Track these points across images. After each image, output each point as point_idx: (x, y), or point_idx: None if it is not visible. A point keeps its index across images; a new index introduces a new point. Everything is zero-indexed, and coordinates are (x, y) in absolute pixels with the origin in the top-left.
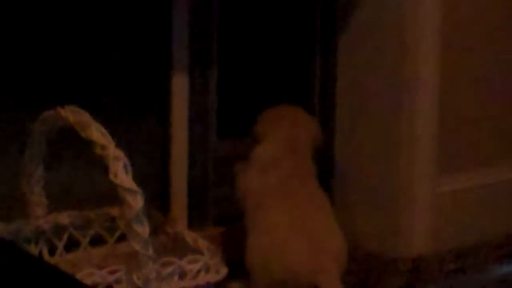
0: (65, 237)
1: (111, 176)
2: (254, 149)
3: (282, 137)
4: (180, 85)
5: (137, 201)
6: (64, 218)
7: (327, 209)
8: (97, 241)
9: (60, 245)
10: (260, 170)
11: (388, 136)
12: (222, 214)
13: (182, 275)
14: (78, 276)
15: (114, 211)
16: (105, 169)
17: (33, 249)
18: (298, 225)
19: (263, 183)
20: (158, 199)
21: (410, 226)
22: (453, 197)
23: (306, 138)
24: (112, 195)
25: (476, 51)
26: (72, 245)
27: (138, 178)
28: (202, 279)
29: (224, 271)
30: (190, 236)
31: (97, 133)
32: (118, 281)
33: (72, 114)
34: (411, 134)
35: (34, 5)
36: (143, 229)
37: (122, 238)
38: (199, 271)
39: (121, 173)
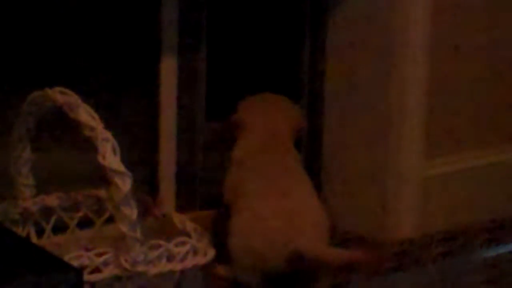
0: (52, 219)
1: (100, 158)
2: (233, 146)
3: (260, 129)
4: (168, 68)
5: (125, 183)
6: (52, 200)
7: (307, 185)
8: (85, 223)
9: (48, 227)
10: (238, 165)
11: (376, 119)
12: (210, 197)
13: (170, 258)
14: (66, 258)
15: (102, 193)
16: (94, 151)
17: (21, 231)
18: (276, 202)
19: (240, 176)
20: (146, 182)
21: (398, 209)
22: (441, 179)
23: (286, 128)
24: (100, 177)
25: (465, 44)
26: (59, 227)
27: (126, 160)
28: (190, 261)
29: (211, 253)
30: (178, 218)
31: (86, 114)
32: (105, 264)
33: (60, 95)
34: (400, 116)
35: None
36: (131, 212)
37: (110, 220)
38: (186, 253)
39: (109, 154)
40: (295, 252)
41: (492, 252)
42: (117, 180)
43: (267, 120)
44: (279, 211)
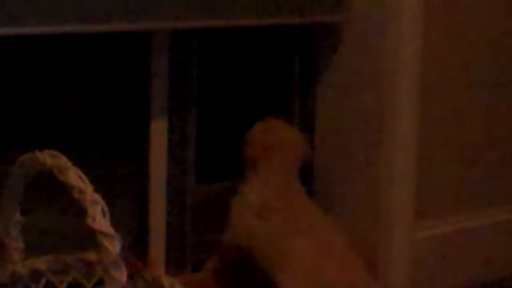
0: (42, 282)
1: (89, 221)
2: (244, 188)
3: (273, 168)
4: (158, 130)
5: (114, 246)
6: (41, 263)
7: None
8: (74, 286)
9: None
10: (257, 214)
11: (365, 178)
12: (200, 259)
13: None
14: None
15: (92, 256)
16: (83, 214)
17: None
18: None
19: (265, 230)
20: (136, 244)
21: (387, 271)
22: (429, 243)
23: (297, 162)
24: (90, 240)
25: (456, 78)
26: None
27: (116, 223)
28: None
29: None
30: (168, 282)
31: (75, 177)
32: None
33: (50, 158)
34: (389, 178)
35: (13, 52)
36: (121, 274)
37: (100, 283)
38: None
39: (98, 217)
40: None
41: None
42: (107, 243)
43: (279, 158)
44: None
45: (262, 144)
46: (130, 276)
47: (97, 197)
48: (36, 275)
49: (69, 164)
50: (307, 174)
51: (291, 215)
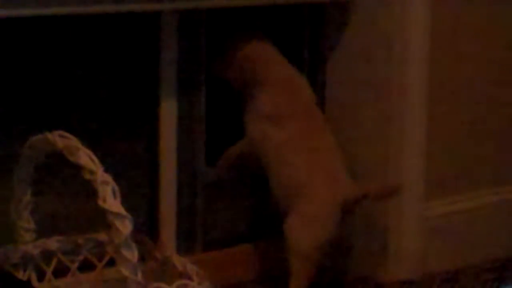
0: (53, 262)
1: (100, 201)
2: (257, 98)
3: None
4: (168, 111)
5: (125, 226)
6: (53, 243)
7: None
8: (85, 266)
9: (49, 270)
10: (272, 123)
11: (375, 160)
12: (210, 239)
13: None
14: None
15: (103, 236)
16: (94, 194)
17: (22, 275)
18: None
19: (281, 138)
20: (147, 224)
21: (398, 250)
22: (441, 220)
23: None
24: (100, 220)
25: (465, 86)
26: (60, 270)
27: (127, 203)
28: None
29: None
30: (179, 261)
31: (86, 157)
32: None
33: (61, 139)
34: (400, 157)
35: (23, 34)
36: (132, 254)
37: (111, 263)
38: None
39: (109, 198)
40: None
41: None
42: (118, 223)
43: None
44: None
45: (259, 60)
46: (141, 256)
47: (108, 177)
48: (47, 255)
49: (79, 145)
50: None
51: (305, 126)
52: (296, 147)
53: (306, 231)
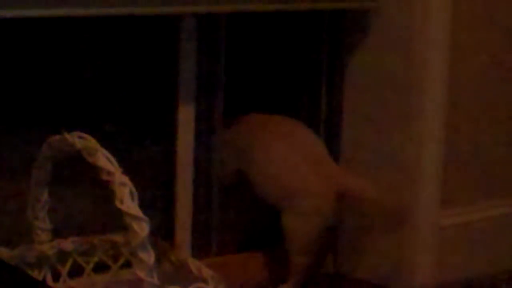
0: (69, 263)
1: (117, 203)
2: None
3: None
4: (186, 113)
5: (143, 229)
6: (68, 244)
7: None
8: (100, 267)
9: (64, 271)
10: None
11: (392, 166)
12: (226, 242)
13: None
14: None
15: (118, 238)
16: (111, 196)
17: (37, 275)
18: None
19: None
20: (162, 227)
21: (413, 259)
22: (456, 230)
23: None
24: (116, 222)
25: (485, 73)
26: (75, 271)
27: (143, 205)
28: None
29: None
30: (194, 264)
31: (104, 159)
32: None
33: (79, 140)
34: (416, 165)
35: (45, 31)
36: (149, 257)
37: (126, 265)
38: None
39: (127, 199)
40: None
41: None
42: (135, 225)
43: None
44: None
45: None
46: (157, 259)
47: (126, 179)
48: (62, 255)
49: (98, 146)
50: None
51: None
52: (280, 146)
53: (303, 225)
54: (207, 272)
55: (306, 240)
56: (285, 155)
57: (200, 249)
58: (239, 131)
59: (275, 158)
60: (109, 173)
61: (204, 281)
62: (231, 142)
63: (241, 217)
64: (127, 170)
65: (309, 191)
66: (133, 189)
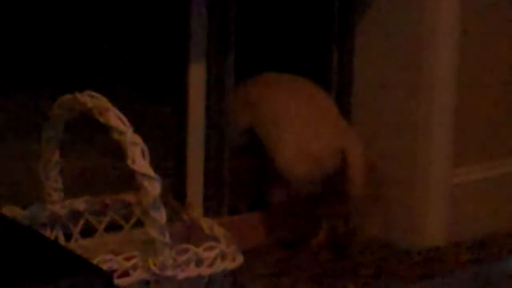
0: (80, 222)
1: (129, 162)
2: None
3: None
4: (197, 74)
5: (154, 188)
6: (80, 203)
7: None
8: (112, 227)
9: (76, 230)
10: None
11: (404, 127)
12: (238, 202)
13: (198, 262)
14: (94, 262)
15: (130, 197)
16: (122, 155)
17: (49, 234)
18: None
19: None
20: (174, 186)
21: (425, 217)
22: (468, 188)
23: None
24: (128, 181)
25: (495, 45)
26: (87, 231)
27: (154, 165)
28: (219, 266)
29: (240, 259)
30: (206, 223)
31: (115, 118)
32: (134, 267)
33: (90, 99)
34: (427, 124)
35: None
36: (160, 216)
37: (138, 224)
38: (215, 258)
39: (138, 158)
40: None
41: None
42: (146, 184)
43: None
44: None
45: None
46: (168, 218)
47: (137, 138)
48: (74, 215)
49: (109, 105)
50: None
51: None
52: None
53: (302, 162)
54: (219, 231)
55: (304, 173)
56: (295, 109)
57: (211, 209)
58: (251, 87)
59: (285, 111)
60: (120, 132)
61: (216, 240)
62: (243, 98)
63: (253, 176)
64: (139, 130)
65: (314, 137)
66: (145, 148)
